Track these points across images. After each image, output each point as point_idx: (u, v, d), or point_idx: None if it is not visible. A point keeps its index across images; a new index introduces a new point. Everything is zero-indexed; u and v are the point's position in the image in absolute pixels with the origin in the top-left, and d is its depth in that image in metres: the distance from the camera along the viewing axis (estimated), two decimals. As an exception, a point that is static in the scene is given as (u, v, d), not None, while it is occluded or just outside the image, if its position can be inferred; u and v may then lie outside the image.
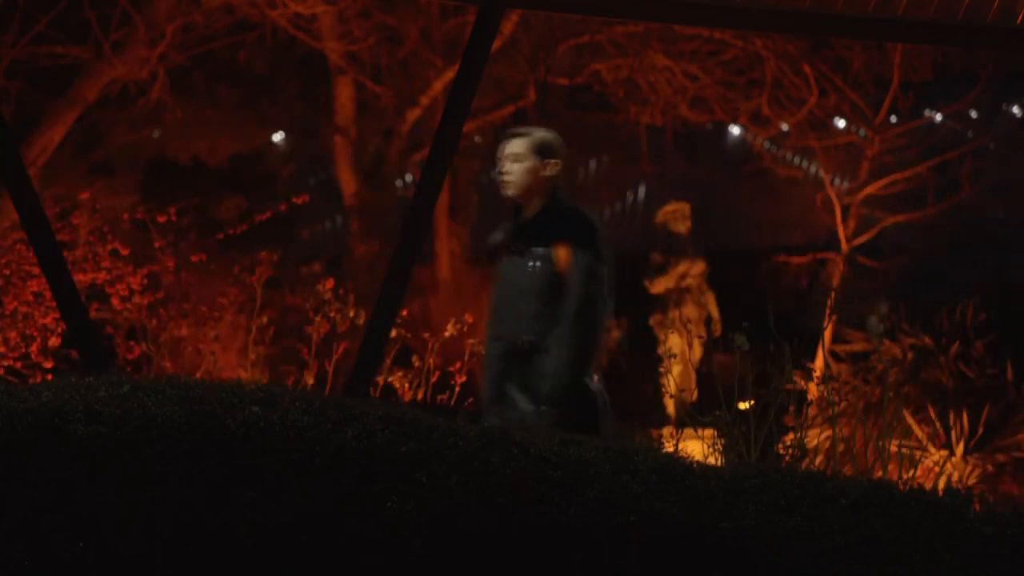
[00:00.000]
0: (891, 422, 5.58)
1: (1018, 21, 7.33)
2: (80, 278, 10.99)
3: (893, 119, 17.08)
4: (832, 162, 17.03)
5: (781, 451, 5.62)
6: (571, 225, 5.77)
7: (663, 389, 12.01)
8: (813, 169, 19.12)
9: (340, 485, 3.74)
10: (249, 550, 3.67)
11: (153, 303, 11.52)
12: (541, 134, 5.93)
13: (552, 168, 5.84)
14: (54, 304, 9.37)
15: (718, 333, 11.08)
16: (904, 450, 5.64)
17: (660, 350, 13.64)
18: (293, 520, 3.69)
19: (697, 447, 5.14)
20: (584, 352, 5.64)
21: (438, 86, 16.35)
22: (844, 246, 16.22)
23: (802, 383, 5.76)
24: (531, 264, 5.74)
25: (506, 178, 5.86)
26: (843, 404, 7.40)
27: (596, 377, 5.71)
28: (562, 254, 5.69)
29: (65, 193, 12.62)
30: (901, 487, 4.20)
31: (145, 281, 11.61)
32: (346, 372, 8.13)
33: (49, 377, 9.95)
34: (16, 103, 13.94)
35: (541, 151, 5.84)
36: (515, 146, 5.87)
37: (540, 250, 5.73)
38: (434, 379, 8.68)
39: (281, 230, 15.91)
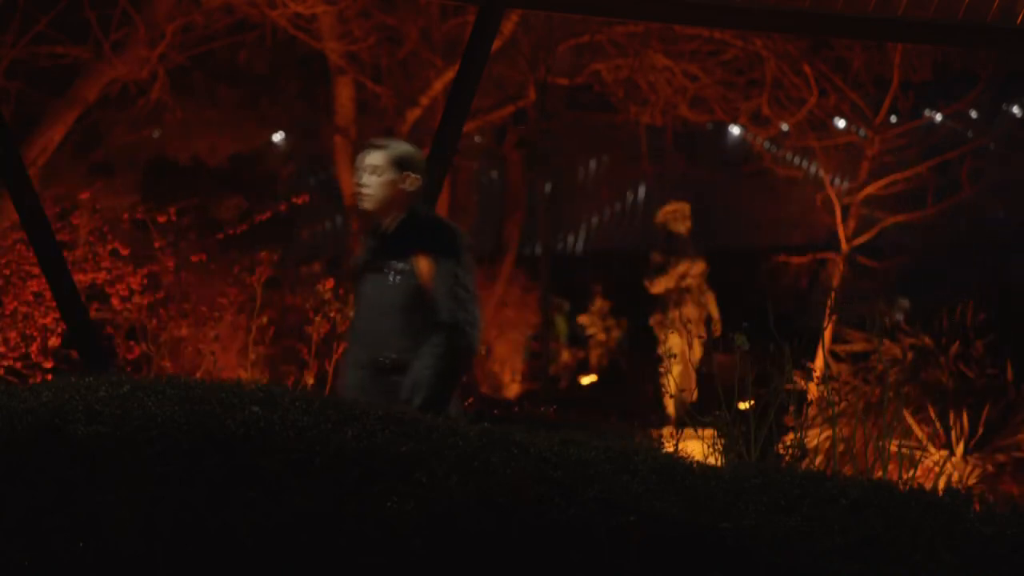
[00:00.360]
0: (891, 422, 5.58)
1: (1018, 21, 7.33)
2: (80, 278, 10.98)
3: (893, 119, 17.08)
4: (832, 162, 17.03)
5: (781, 451, 5.62)
6: (431, 235, 5.61)
7: (663, 389, 12.01)
8: (813, 169, 19.13)
9: (340, 485, 3.74)
10: (249, 550, 3.67)
11: (153, 303, 11.51)
12: (401, 147, 5.77)
13: (412, 182, 5.68)
14: (54, 304, 9.37)
15: (718, 333, 11.07)
16: (904, 450, 5.64)
17: (660, 350, 13.64)
18: (293, 520, 3.69)
19: (697, 447, 5.14)
20: (458, 361, 5.45)
21: (438, 86, 16.35)
22: (844, 246, 16.22)
23: (802, 383, 5.75)
24: (392, 278, 5.56)
25: (364, 191, 5.69)
26: (843, 404, 7.40)
27: (452, 403, 5.54)
28: (424, 265, 5.53)
29: (65, 193, 12.62)
30: (901, 487, 4.20)
31: (145, 281, 11.60)
32: (346, 372, 8.11)
33: (49, 377, 9.95)
34: (16, 103, 13.94)
35: (401, 164, 5.68)
36: (374, 159, 5.70)
37: (400, 263, 5.56)
38: (434, 379, 8.63)
39: (281, 230, 15.92)
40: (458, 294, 5.49)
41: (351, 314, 5.86)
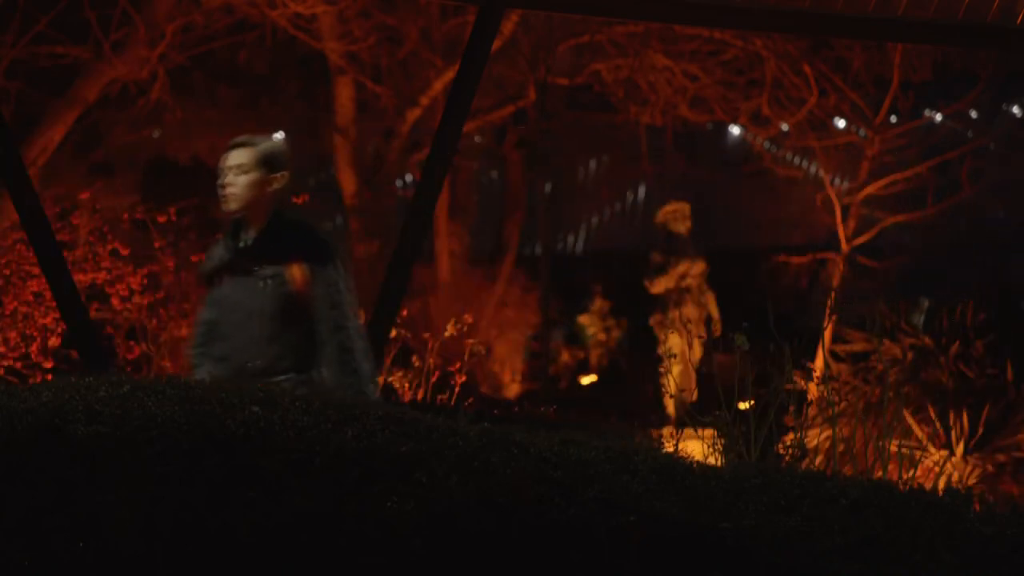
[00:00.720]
0: (891, 422, 5.57)
1: (1018, 21, 7.33)
2: (80, 278, 10.98)
3: (893, 119, 17.09)
4: (832, 162, 17.04)
5: (781, 451, 5.62)
6: (304, 241, 5.42)
7: (663, 389, 12.01)
8: (813, 169, 19.13)
9: (340, 485, 3.74)
10: (249, 550, 3.67)
11: (153, 303, 11.51)
12: (268, 144, 5.53)
13: (279, 182, 5.46)
14: (54, 304, 9.37)
15: (718, 333, 11.08)
16: (904, 450, 5.64)
17: (660, 350, 13.64)
18: (293, 520, 3.69)
19: (697, 447, 5.13)
20: (372, 365, 5.37)
21: (438, 86, 16.36)
22: (844, 246, 16.22)
23: (802, 383, 5.75)
24: (261, 284, 5.37)
25: (229, 191, 5.43)
26: (843, 404, 7.40)
27: None
28: (297, 272, 5.35)
29: (65, 193, 12.63)
30: (901, 487, 4.20)
31: (145, 281, 11.61)
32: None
33: (49, 377, 9.96)
34: (16, 103, 13.94)
35: (268, 163, 5.45)
36: (239, 157, 5.46)
37: (270, 269, 5.37)
38: (434, 379, 8.67)
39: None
40: (338, 300, 5.34)
41: (202, 312, 5.65)
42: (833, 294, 11.58)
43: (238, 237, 5.52)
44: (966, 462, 10.99)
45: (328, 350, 5.34)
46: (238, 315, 5.44)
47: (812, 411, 5.83)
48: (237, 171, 5.47)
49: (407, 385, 8.71)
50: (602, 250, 28.93)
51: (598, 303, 21.76)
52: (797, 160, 21.53)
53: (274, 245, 5.42)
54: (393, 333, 7.97)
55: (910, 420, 10.92)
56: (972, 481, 10.02)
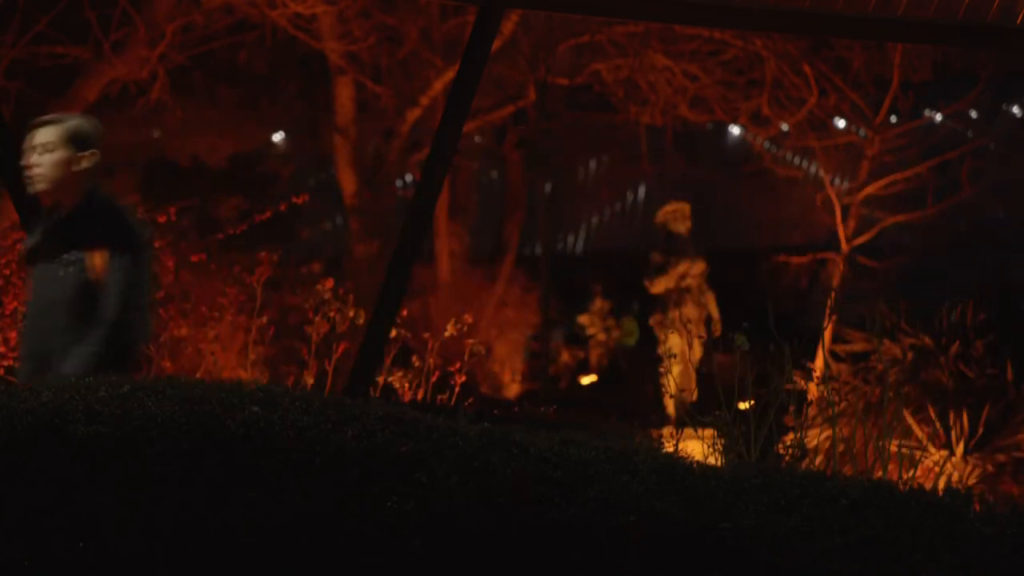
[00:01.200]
0: (891, 422, 5.57)
1: (1018, 21, 7.33)
2: (80, 278, 10.96)
3: (893, 119, 17.10)
4: (832, 162, 17.04)
5: (781, 451, 5.62)
6: (108, 227, 5.12)
7: (663, 389, 12.00)
8: (813, 169, 19.14)
9: (340, 485, 3.74)
10: (249, 550, 3.67)
11: (152, 303, 11.49)
12: (75, 121, 5.32)
13: (88, 160, 5.20)
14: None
15: (718, 333, 11.07)
16: (904, 450, 5.64)
17: (660, 350, 13.64)
18: (293, 520, 3.69)
19: (697, 447, 5.13)
20: (114, 361, 4.94)
21: (438, 86, 16.36)
22: (844, 246, 16.23)
23: (802, 383, 5.75)
24: (62, 271, 5.08)
25: (35, 172, 5.22)
26: (843, 404, 7.40)
27: None
28: (97, 260, 5.06)
29: (65, 193, 12.61)
30: (901, 487, 4.20)
31: (145, 281, 11.58)
32: (346, 372, 8.14)
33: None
34: (16, 103, 13.94)
35: (74, 141, 5.23)
36: (44, 135, 5.27)
37: (73, 255, 5.08)
38: (434, 379, 8.66)
39: (281, 230, 15.91)
40: (128, 296, 5.05)
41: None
42: (833, 294, 11.57)
43: (50, 219, 5.28)
44: (966, 462, 10.98)
45: (87, 337, 5.03)
46: (41, 303, 5.19)
47: (812, 411, 5.83)
48: (43, 150, 5.29)
49: (407, 385, 8.70)
50: (602, 250, 28.96)
51: (598, 303, 21.76)
52: (797, 160, 21.54)
53: (79, 230, 5.16)
54: (393, 333, 7.97)
55: (910, 420, 10.91)
56: (972, 481, 10.02)
